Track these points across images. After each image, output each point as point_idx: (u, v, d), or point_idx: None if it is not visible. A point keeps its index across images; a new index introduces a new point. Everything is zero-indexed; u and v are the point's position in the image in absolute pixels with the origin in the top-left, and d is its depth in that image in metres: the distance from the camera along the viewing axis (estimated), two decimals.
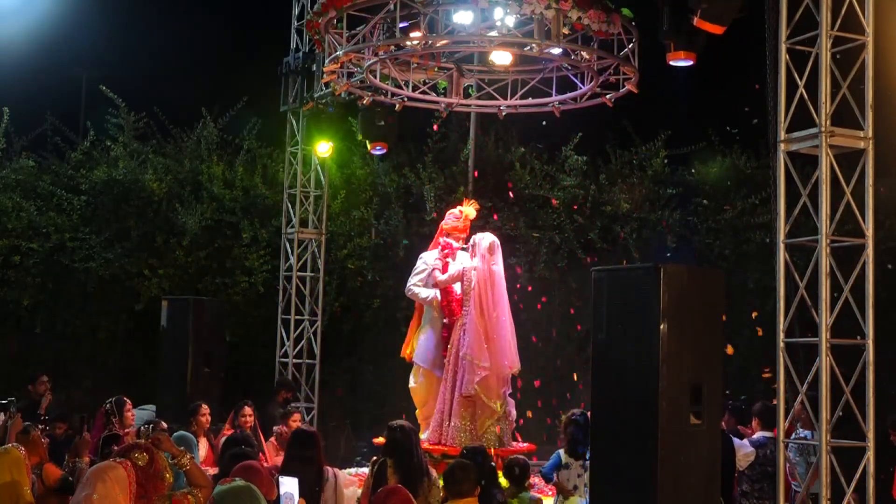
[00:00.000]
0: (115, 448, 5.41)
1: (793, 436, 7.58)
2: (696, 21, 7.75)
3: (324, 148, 12.34)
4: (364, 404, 13.94)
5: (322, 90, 11.72)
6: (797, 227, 7.09)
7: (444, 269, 9.65)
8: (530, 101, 10.33)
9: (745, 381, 12.36)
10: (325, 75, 10.34)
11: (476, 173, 13.21)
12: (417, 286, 9.75)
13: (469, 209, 9.88)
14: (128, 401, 9.21)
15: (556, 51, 8.82)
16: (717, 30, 7.73)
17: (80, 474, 6.28)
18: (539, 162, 13.98)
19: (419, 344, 9.70)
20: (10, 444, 5.77)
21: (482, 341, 9.07)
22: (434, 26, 8.57)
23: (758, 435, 8.21)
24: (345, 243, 14.01)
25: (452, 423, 9.16)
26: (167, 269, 13.80)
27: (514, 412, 9.53)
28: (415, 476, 6.60)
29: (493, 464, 7.51)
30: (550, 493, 8.32)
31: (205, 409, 9.74)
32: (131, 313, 13.84)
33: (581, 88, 9.84)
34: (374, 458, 7.31)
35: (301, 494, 5.79)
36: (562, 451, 7.98)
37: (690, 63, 8.16)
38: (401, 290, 10.54)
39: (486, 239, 9.41)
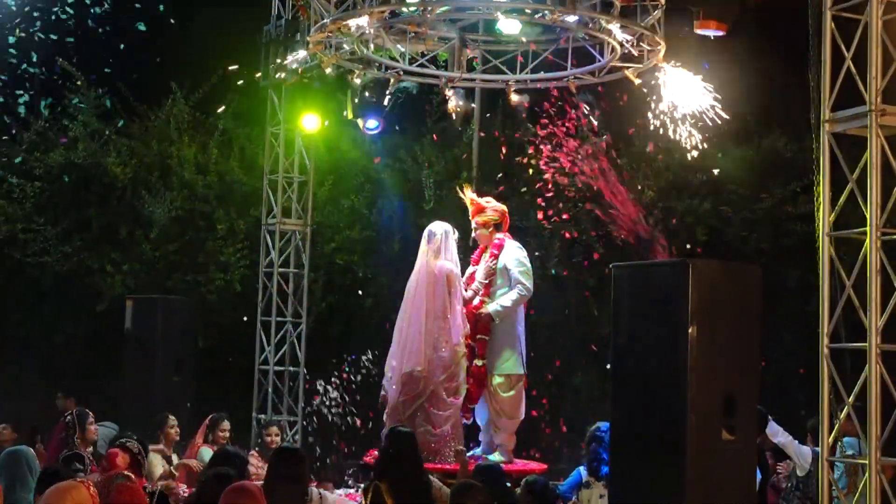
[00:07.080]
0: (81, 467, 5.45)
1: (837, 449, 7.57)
2: (697, 25, 7.84)
3: (311, 123, 12.33)
4: (353, 418, 13.95)
5: (308, 62, 11.72)
6: (843, 217, 7.09)
7: None
8: (542, 75, 10.32)
9: (783, 391, 12.38)
10: (310, 46, 10.34)
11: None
12: None
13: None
14: (90, 414, 9.25)
15: (573, 18, 8.81)
16: (721, 28, 7.81)
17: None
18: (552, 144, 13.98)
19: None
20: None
21: (395, 342, 9.13)
22: None
23: (815, 449, 8.25)
24: (333, 235, 14.03)
25: None
26: (132, 264, 13.81)
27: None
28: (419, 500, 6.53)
29: (508, 483, 7.50)
30: None
31: (172, 420, 9.80)
32: (92, 314, 13.85)
33: (600, 61, 9.84)
34: (366, 482, 7.27)
35: None
36: (583, 469, 8.00)
37: (721, 33, 8.19)
38: (396, 289, 10.50)
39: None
